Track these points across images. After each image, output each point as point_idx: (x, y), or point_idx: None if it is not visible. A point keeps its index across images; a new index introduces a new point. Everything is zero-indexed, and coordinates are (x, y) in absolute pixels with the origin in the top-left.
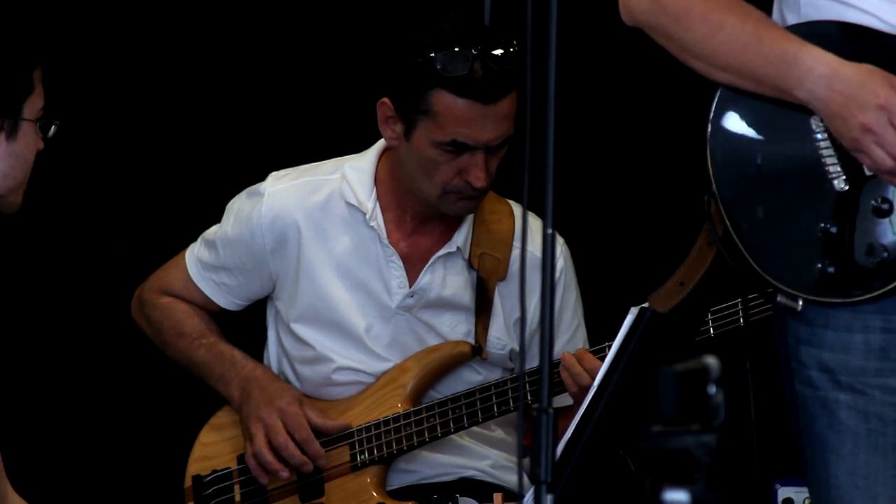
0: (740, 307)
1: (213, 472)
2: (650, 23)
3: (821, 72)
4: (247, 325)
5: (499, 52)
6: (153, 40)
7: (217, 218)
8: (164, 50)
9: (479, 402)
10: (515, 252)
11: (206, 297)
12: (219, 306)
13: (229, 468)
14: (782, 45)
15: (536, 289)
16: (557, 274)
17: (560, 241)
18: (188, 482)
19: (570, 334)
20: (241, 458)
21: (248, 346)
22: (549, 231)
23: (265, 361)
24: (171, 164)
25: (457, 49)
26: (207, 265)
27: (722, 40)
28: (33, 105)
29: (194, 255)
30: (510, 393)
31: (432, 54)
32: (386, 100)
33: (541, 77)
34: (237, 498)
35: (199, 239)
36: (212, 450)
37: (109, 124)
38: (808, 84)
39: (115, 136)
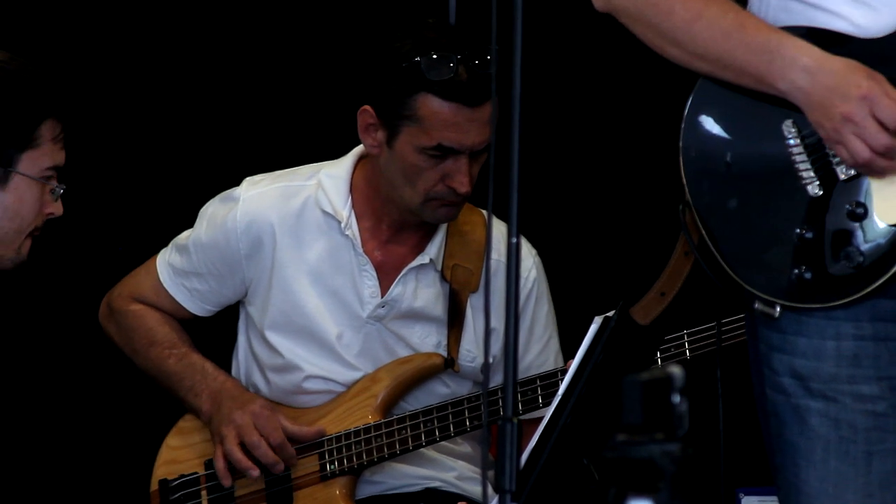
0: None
1: (181, 477)
2: (627, 9)
3: (805, 63)
4: (217, 331)
5: (482, 55)
6: (155, 41)
7: None
8: (164, 52)
9: (451, 417)
10: (489, 263)
11: (176, 303)
12: (190, 313)
13: (196, 473)
14: (765, 35)
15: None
16: (529, 286)
17: (533, 253)
18: (154, 486)
19: (542, 346)
20: (208, 464)
21: (218, 351)
22: (514, 240)
23: (234, 367)
24: (170, 164)
25: (441, 53)
26: (179, 271)
27: (702, 27)
28: (36, 161)
29: (166, 260)
30: (483, 407)
31: (417, 59)
32: (367, 107)
33: (509, 81)
34: (204, 503)
35: (171, 244)
36: (179, 454)
37: (109, 125)
38: (791, 74)
39: (114, 137)
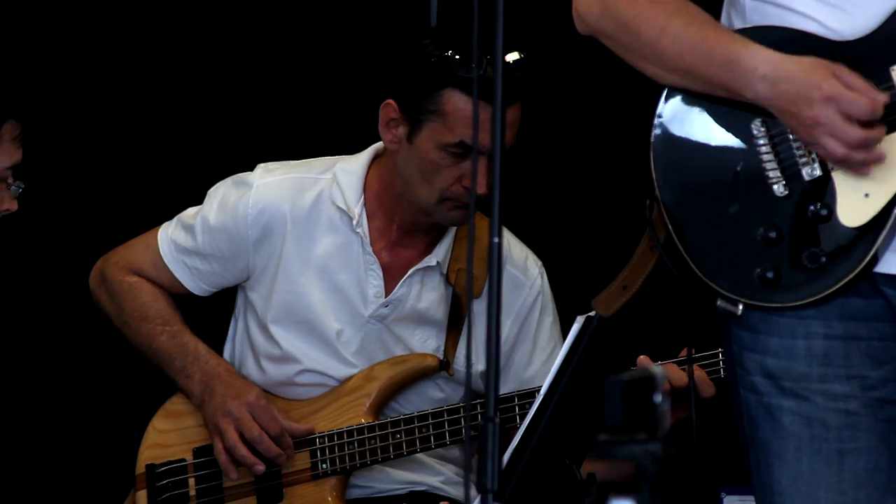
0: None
1: (168, 463)
2: (602, 29)
3: (763, 72)
4: (211, 312)
5: (513, 57)
6: (154, 43)
7: None
8: (166, 52)
9: (447, 424)
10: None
11: (175, 279)
12: (186, 289)
13: (184, 460)
14: (725, 47)
15: (511, 309)
16: (534, 296)
17: (538, 264)
18: (140, 468)
19: (546, 356)
20: (196, 452)
21: (213, 331)
22: (496, 240)
23: (227, 351)
24: (170, 164)
25: (471, 51)
26: (181, 248)
27: (668, 44)
28: None
29: (168, 235)
30: (479, 418)
31: (447, 54)
32: (391, 101)
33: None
34: (192, 492)
35: (175, 220)
36: (166, 437)
37: (108, 125)
38: (753, 85)
39: (114, 137)
